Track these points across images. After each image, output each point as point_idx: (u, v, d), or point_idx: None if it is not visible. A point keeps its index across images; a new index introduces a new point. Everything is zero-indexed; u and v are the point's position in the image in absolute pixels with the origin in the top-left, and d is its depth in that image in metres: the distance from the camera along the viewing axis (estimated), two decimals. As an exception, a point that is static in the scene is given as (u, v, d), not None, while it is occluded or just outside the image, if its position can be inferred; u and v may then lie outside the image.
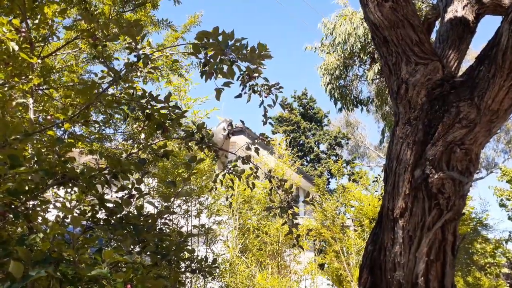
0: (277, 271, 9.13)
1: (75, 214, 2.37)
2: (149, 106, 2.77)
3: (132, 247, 2.38)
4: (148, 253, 2.37)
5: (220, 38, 2.36)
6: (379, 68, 8.24)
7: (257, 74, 2.75)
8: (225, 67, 2.45)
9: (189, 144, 3.08)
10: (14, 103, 3.11)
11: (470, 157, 2.67)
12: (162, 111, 2.77)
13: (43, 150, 2.64)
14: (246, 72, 2.76)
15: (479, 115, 2.61)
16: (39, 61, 3.41)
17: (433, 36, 4.97)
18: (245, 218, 8.62)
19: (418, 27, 2.88)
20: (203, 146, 2.91)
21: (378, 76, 8.51)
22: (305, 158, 30.42)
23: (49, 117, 3.35)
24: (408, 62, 2.88)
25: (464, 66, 3.39)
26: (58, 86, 3.79)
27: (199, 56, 2.45)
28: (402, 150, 2.81)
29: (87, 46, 5.11)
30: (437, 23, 5.40)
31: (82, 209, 2.63)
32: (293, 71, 62.42)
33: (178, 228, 5.70)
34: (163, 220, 2.66)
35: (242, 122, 3.19)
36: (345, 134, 32.49)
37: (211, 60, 2.42)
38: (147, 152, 3.55)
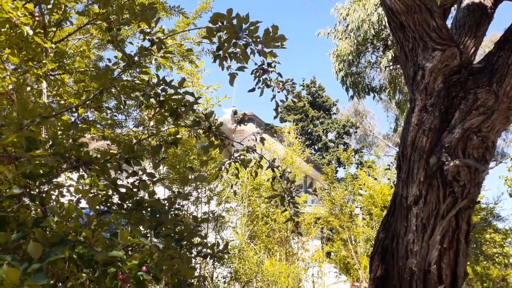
0: (285, 258, 9.19)
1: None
2: (163, 93, 2.77)
3: (147, 230, 2.40)
4: (160, 238, 2.39)
5: (234, 21, 2.34)
6: (393, 55, 8.13)
7: (272, 69, 2.74)
8: (239, 52, 2.44)
9: (197, 132, 3.08)
10: (28, 88, 3.12)
11: (487, 144, 2.64)
12: (175, 97, 2.77)
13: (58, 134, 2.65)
14: (261, 66, 2.75)
15: (497, 102, 2.57)
16: (53, 46, 3.41)
17: (448, 23, 4.88)
18: (254, 205, 8.65)
19: (435, 12, 2.83)
20: (210, 135, 2.91)
21: (391, 63, 8.40)
22: (313, 146, 30.36)
23: (62, 102, 3.36)
24: (425, 48, 2.84)
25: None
26: (72, 71, 3.80)
27: (213, 40, 2.43)
28: (417, 137, 2.78)
29: (98, 31, 5.11)
30: (453, 10, 5.31)
31: (95, 193, 2.66)
32: (302, 58, 62.02)
33: (189, 215, 5.74)
34: (176, 206, 2.67)
35: (252, 115, 3.19)
36: (353, 123, 32.33)
37: (225, 44, 2.40)
38: (157, 138, 3.56)
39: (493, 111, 2.59)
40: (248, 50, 2.42)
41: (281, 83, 2.82)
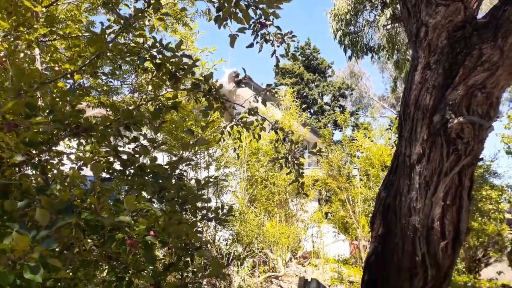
0: (285, 220, 9.35)
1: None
2: (159, 56, 2.69)
3: (150, 196, 2.39)
4: (164, 203, 2.39)
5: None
6: (391, 13, 7.95)
7: (270, 22, 2.65)
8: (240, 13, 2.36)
9: (197, 95, 3.03)
10: (21, 54, 3.03)
11: (491, 101, 2.61)
12: (173, 60, 2.70)
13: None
14: (258, 20, 2.66)
15: (502, 58, 2.52)
16: (43, 9, 3.29)
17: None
18: (253, 169, 8.70)
19: (439, -35, 2.73)
20: (210, 98, 2.86)
21: (389, 22, 8.23)
22: (308, 110, 30.29)
23: (57, 68, 3.28)
24: (428, 4, 2.76)
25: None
26: (65, 37, 3.69)
27: (213, 0, 2.35)
28: (420, 95, 2.75)
29: (89, -5, 4.94)
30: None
31: (97, 159, 2.63)
32: (294, 20, 60.78)
33: (189, 180, 5.76)
34: (178, 171, 2.65)
35: (244, 70, 3.09)
36: (349, 85, 32.14)
37: (226, 4, 2.32)
38: (155, 104, 3.50)
39: (498, 67, 2.54)
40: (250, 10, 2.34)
41: (280, 36, 2.74)
